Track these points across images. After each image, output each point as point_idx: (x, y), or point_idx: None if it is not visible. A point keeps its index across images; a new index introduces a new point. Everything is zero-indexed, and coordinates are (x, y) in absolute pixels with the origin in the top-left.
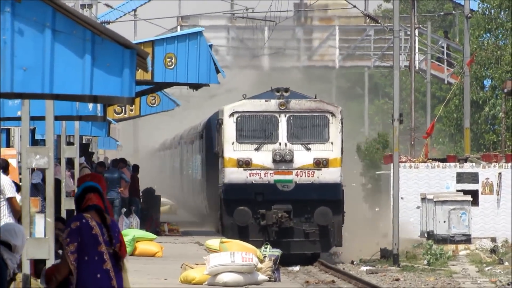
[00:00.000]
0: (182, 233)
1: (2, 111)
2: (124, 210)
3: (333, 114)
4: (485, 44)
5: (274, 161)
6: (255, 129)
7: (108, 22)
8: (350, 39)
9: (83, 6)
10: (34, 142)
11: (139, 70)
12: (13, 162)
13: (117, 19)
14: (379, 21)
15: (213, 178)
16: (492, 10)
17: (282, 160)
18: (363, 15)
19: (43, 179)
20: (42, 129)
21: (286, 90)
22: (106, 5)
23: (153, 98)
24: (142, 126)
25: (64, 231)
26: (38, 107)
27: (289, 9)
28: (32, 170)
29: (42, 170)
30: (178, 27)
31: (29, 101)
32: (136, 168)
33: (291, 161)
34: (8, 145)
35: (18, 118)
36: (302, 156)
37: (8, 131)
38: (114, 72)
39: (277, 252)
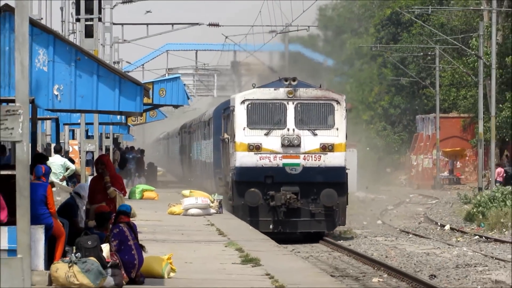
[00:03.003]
0: (168, 187)
1: (71, 119)
2: (136, 174)
3: (338, 102)
4: None
5: (283, 145)
6: (264, 115)
7: (128, 71)
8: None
9: (115, 62)
10: (87, 137)
11: (145, 97)
12: (75, 147)
13: (133, 69)
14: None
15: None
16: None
17: (290, 145)
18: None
19: (92, 157)
20: (92, 130)
21: (294, 79)
22: (128, 62)
23: (153, 112)
24: (147, 128)
25: (110, 234)
26: (90, 117)
27: (227, 65)
28: (86, 152)
29: (92, 152)
30: (166, 74)
31: (85, 114)
32: (142, 151)
33: (299, 145)
34: (73, 138)
35: (79, 124)
36: (309, 141)
37: (73, 130)
38: (131, 98)
39: (221, 197)
